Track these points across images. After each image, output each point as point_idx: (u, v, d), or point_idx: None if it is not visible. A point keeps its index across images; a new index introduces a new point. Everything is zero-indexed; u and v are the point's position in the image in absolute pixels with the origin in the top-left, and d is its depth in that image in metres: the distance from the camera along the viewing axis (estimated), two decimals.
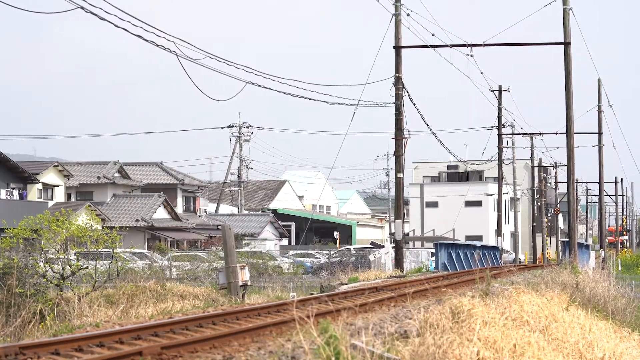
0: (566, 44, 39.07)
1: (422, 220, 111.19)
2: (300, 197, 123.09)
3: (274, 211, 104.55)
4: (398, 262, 42.70)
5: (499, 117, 68.36)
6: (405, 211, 68.70)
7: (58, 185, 74.96)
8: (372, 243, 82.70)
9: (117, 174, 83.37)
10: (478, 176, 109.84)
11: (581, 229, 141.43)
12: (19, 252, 34.82)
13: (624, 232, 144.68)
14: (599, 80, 69.17)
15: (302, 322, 12.52)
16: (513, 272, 38.39)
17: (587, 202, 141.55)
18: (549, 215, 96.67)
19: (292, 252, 77.54)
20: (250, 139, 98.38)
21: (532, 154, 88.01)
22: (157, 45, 25.37)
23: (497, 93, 68.10)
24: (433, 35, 42.28)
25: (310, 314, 13.30)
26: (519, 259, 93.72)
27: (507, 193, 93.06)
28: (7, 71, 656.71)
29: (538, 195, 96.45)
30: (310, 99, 38.08)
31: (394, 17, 42.31)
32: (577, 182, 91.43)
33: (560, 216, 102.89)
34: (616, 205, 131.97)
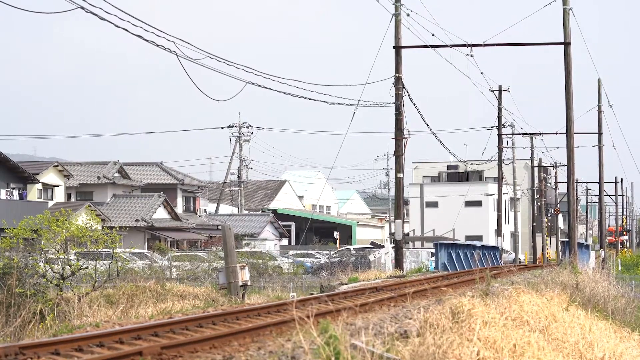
0: (566, 44, 39.07)
1: (422, 220, 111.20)
2: (300, 197, 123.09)
3: (274, 211, 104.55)
4: (398, 262, 42.69)
5: (499, 117, 68.35)
6: (405, 211, 68.70)
7: (58, 185, 74.96)
8: (372, 243, 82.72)
9: (117, 174, 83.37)
10: (478, 176, 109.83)
11: (581, 229, 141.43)
12: (19, 252, 34.84)
13: (624, 232, 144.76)
14: (599, 80, 69.19)
15: (302, 322, 12.52)
16: (513, 272, 38.38)
17: (587, 202, 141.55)
18: (549, 215, 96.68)
19: (292, 252, 77.54)
20: (250, 139, 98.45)
21: (532, 154, 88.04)
22: (157, 45, 25.38)
23: (497, 93, 68.12)
24: (433, 35, 42.32)
25: (310, 314, 13.30)
26: (519, 259, 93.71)
27: (507, 193, 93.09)
28: (7, 71, 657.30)
29: (538, 195, 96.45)
30: (310, 99, 38.12)
31: (393, 17, 42.31)
32: (577, 182, 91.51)
33: (560, 216, 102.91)
34: (616, 205, 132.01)
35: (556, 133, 66.80)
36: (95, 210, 71.05)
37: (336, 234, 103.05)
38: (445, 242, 55.11)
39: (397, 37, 42.29)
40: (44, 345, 13.31)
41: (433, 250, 54.10)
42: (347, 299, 21.50)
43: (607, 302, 27.28)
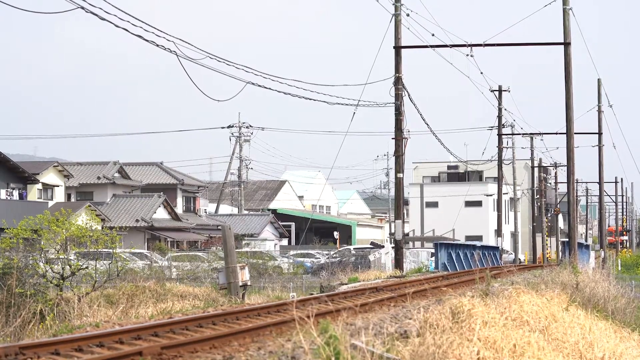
0: (566, 44, 39.07)
1: (422, 220, 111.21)
2: (300, 197, 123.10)
3: (274, 211, 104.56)
4: (398, 262, 42.69)
5: (499, 117, 68.37)
6: (405, 211, 68.70)
7: (58, 186, 74.97)
8: (372, 243, 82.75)
9: (117, 174, 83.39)
10: (478, 176, 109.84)
11: (581, 229, 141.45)
12: (19, 252, 34.83)
13: (624, 232, 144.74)
14: (599, 80, 69.21)
15: (302, 322, 12.51)
16: (513, 272, 38.38)
17: (587, 202, 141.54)
18: (549, 215, 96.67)
19: (292, 252, 77.56)
20: (250, 139, 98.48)
21: (532, 154, 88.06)
22: (157, 45, 25.38)
23: (497, 93, 68.14)
24: (433, 35, 42.33)
25: (310, 314, 13.29)
26: (519, 259, 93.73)
27: (507, 193, 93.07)
28: (7, 71, 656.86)
29: (538, 195, 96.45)
30: (310, 99, 38.12)
31: (393, 17, 42.32)
32: (577, 182, 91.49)
33: (560, 216, 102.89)
34: (616, 205, 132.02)
35: (556, 133, 66.85)
36: (95, 210, 71.06)
37: (336, 234, 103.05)
38: (445, 242, 55.10)
39: (397, 37, 42.31)
40: (44, 345, 13.32)
41: (433, 251, 54.10)
42: (347, 299, 21.50)
43: (607, 302, 27.28)
